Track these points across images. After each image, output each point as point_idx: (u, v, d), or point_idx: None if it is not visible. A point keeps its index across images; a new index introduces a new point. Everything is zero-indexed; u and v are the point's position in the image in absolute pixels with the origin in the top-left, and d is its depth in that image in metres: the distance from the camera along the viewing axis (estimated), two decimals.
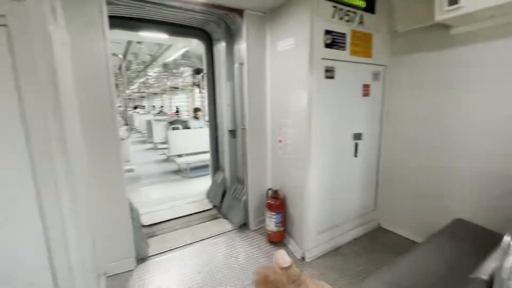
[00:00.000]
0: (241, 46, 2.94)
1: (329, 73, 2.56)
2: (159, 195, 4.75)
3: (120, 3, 2.56)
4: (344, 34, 2.54)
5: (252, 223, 3.24)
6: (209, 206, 3.96)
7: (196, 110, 8.95)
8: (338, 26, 2.49)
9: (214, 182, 4.16)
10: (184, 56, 7.76)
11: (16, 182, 1.39)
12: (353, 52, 2.66)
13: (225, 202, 3.70)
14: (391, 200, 3.21)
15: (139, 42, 6.73)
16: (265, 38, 2.93)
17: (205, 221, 3.52)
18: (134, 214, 3.19)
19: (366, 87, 2.88)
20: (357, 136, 2.93)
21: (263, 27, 2.90)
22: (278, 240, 2.96)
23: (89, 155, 2.20)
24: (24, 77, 1.33)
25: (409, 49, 2.84)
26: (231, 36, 3.25)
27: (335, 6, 2.41)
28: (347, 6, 2.49)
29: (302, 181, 2.63)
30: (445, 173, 2.63)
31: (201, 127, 7.83)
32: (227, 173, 3.81)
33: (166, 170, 6.56)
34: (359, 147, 2.96)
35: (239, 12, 2.75)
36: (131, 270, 2.51)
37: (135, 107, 20.20)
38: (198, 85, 5.40)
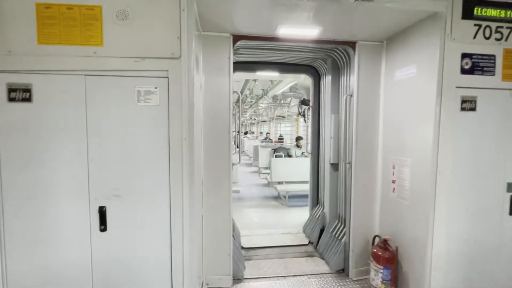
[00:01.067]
0: (351, 78, 2.82)
1: (468, 104, 2.05)
2: (258, 219, 4.97)
3: (242, 52, 3.04)
4: (492, 56, 2.02)
5: (352, 271, 2.83)
6: (305, 241, 3.78)
7: (298, 138, 9.14)
8: (483, 47, 2.01)
9: (312, 216, 3.98)
10: (292, 88, 8.23)
11: (159, 187, 1.79)
12: (507, 77, 2.06)
13: (322, 240, 3.45)
14: None
15: (254, 80, 7.70)
16: (379, 67, 2.71)
17: (299, 257, 3.36)
18: (235, 234, 3.45)
19: None
20: None
21: (378, 56, 2.70)
22: None
23: (206, 174, 2.58)
24: (172, 111, 1.75)
25: None
26: (337, 70, 3.21)
27: (478, 25, 1.97)
28: (498, 21, 1.98)
29: (423, 235, 2.12)
30: None
31: (303, 153, 7.88)
32: (326, 208, 3.57)
33: (267, 195, 6.86)
34: None
35: (351, 44, 2.68)
36: None
37: (246, 133, 22.78)
38: (303, 115, 5.54)
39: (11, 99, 1.64)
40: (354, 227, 2.81)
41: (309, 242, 3.74)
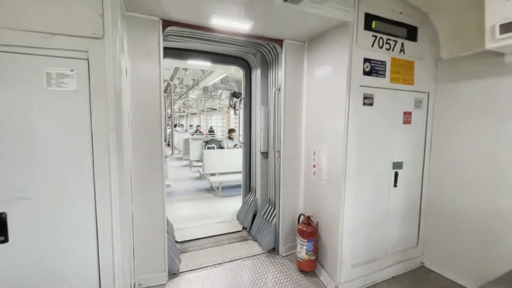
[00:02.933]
0: (279, 73, 3.07)
1: (368, 100, 2.54)
2: (191, 212, 4.90)
3: (173, 39, 2.89)
4: (383, 62, 2.54)
5: (282, 249, 3.16)
6: (239, 227, 3.97)
7: (231, 130, 9.29)
8: (378, 54, 2.50)
9: (245, 203, 4.19)
10: (223, 80, 8.25)
11: (80, 186, 1.59)
12: (393, 80, 2.62)
13: (255, 224, 3.69)
14: (436, 238, 2.91)
15: (185, 69, 7.37)
16: (302, 65, 3.04)
17: (234, 242, 3.52)
18: (169, 229, 3.33)
19: (407, 115, 2.78)
20: (397, 165, 2.79)
21: (301, 55, 3.02)
22: (309, 269, 2.83)
23: (136, 169, 2.40)
24: (95, 98, 1.57)
25: (455, 76, 2.71)
26: (266, 65, 3.43)
27: (375, 36, 2.44)
28: (387, 35, 2.51)
29: (336, 209, 2.55)
30: (502, 216, 2.35)
31: (235, 146, 8.07)
32: (258, 194, 3.83)
33: (199, 187, 6.78)
34: (400, 177, 2.80)
35: (279, 41, 2.91)
36: (163, 285, 2.57)
37: (175, 125, 21.57)
38: (234, 107, 5.66)
39: None
40: (283, 209, 3.12)
41: (243, 227, 3.94)
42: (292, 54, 2.97)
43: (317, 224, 2.85)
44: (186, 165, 9.72)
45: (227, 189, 6.18)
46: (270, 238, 3.25)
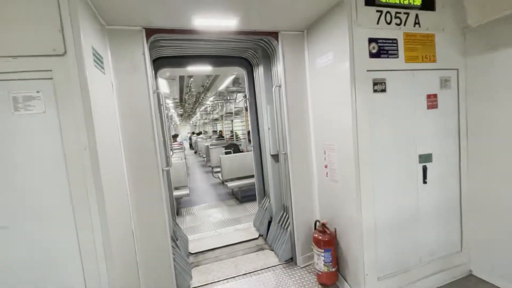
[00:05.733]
0: (278, 68, 2.82)
1: (379, 86, 2.19)
2: (211, 219, 4.80)
3: (165, 45, 2.79)
4: (394, 40, 2.17)
5: (299, 259, 2.89)
6: (256, 234, 3.76)
7: (249, 133, 9.15)
8: (386, 32, 2.14)
9: (260, 209, 3.97)
10: (235, 82, 8.12)
11: (58, 209, 1.53)
12: (409, 59, 2.24)
13: (271, 231, 3.46)
14: (486, 241, 2.43)
15: (189, 76, 7.32)
16: (303, 56, 2.75)
17: (250, 252, 3.32)
18: (182, 242, 3.24)
19: (431, 98, 2.36)
20: (425, 158, 2.38)
21: (300, 45, 2.73)
22: (330, 282, 2.53)
23: (132, 185, 2.30)
24: (64, 118, 1.48)
25: (489, 46, 2.23)
26: (269, 60, 3.19)
27: (379, 11, 2.09)
28: (395, 7, 2.14)
29: (354, 213, 2.23)
30: None
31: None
32: (272, 199, 3.59)
33: (221, 193, 6.72)
34: (429, 171, 2.39)
35: (274, 34, 2.66)
36: None
37: (199, 133, 22.09)
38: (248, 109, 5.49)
39: None
40: (296, 216, 2.85)
41: (260, 235, 3.73)
42: (291, 46, 2.70)
43: (335, 231, 2.54)
44: (209, 172, 9.78)
45: (247, 193, 6.02)
46: (287, 247, 2.99)
